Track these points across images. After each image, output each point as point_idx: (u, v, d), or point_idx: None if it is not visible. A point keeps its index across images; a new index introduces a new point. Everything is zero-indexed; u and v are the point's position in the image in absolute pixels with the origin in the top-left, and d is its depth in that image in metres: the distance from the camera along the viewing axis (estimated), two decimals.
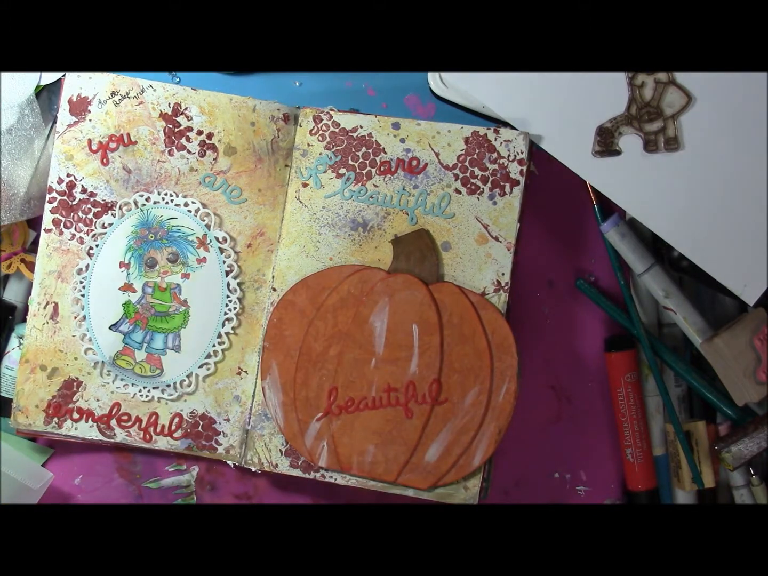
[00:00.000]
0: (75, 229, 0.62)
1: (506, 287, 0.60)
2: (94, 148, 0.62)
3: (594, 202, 0.65)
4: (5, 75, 0.62)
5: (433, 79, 0.65)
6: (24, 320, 0.65)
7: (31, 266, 0.64)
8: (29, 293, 0.63)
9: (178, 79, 0.66)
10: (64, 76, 0.62)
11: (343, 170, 0.62)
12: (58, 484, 0.65)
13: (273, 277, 0.62)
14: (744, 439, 0.63)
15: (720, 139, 0.60)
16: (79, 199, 0.62)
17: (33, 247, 0.65)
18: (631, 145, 0.61)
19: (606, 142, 0.61)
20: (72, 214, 0.62)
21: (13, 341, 0.64)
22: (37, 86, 0.64)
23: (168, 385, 0.62)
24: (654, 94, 0.60)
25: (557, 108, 0.61)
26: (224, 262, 0.62)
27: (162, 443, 0.62)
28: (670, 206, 0.61)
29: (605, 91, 0.61)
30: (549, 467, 0.68)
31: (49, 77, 0.64)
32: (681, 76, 0.60)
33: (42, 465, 0.64)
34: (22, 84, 0.63)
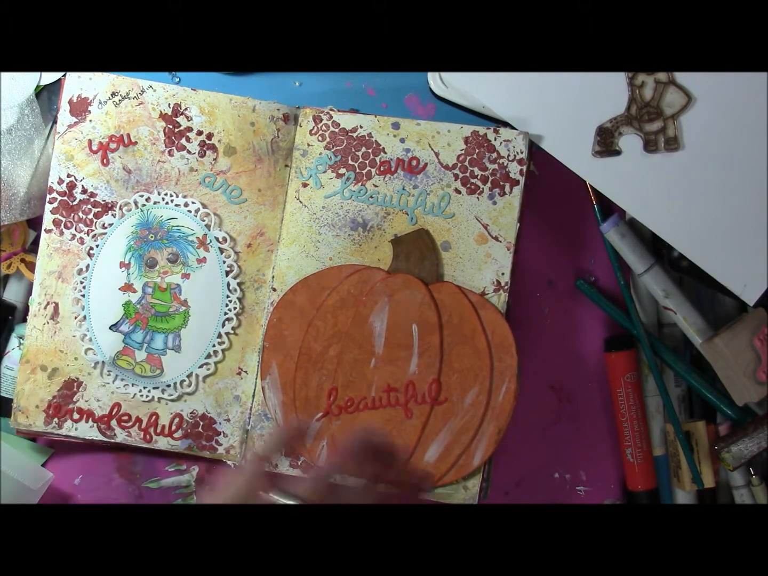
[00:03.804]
0: (75, 229, 0.62)
1: (506, 287, 0.60)
2: (94, 148, 0.62)
3: (594, 202, 0.65)
4: (5, 75, 0.63)
5: (433, 79, 0.65)
6: (24, 320, 0.65)
7: (31, 266, 0.64)
8: (29, 293, 0.63)
9: (178, 79, 0.66)
10: (64, 76, 0.62)
11: (342, 170, 0.62)
12: (58, 484, 0.65)
13: (273, 277, 0.62)
14: (744, 439, 0.63)
15: (720, 139, 0.60)
16: (80, 200, 0.62)
17: (33, 247, 0.65)
18: (631, 145, 0.61)
19: (606, 142, 0.61)
20: (72, 215, 0.62)
21: (13, 341, 0.64)
22: (37, 86, 0.64)
23: (168, 386, 0.62)
24: (654, 94, 0.60)
25: (557, 108, 0.61)
26: (224, 262, 0.62)
27: (162, 443, 0.62)
28: (670, 206, 0.61)
29: (605, 91, 0.61)
30: (549, 467, 0.68)
31: (49, 77, 0.64)
32: (681, 76, 0.60)
33: (42, 465, 0.64)
34: (22, 84, 0.63)
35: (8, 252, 0.64)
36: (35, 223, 0.64)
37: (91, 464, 0.65)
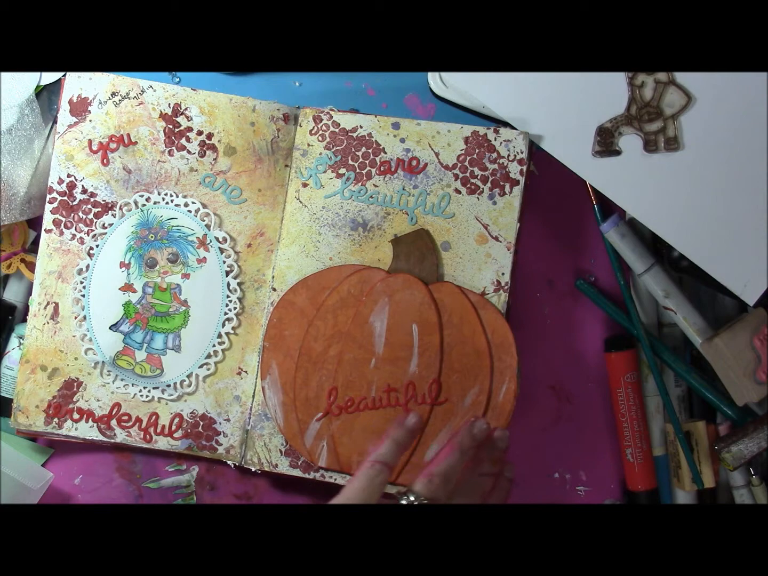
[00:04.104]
0: (75, 229, 0.62)
1: (506, 287, 0.60)
2: (94, 148, 0.62)
3: (594, 202, 0.65)
4: (5, 75, 0.63)
5: (433, 79, 0.65)
6: (24, 320, 0.65)
7: (31, 266, 0.64)
8: (29, 293, 0.63)
9: (178, 79, 0.66)
10: (64, 76, 0.62)
11: (342, 170, 0.62)
12: (58, 484, 0.65)
13: (273, 277, 0.62)
14: (744, 439, 0.63)
15: (720, 139, 0.60)
16: (80, 200, 0.62)
17: (33, 247, 0.65)
18: (631, 145, 0.61)
19: (606, 142, 0.61)
20: (72, 215, 0.62)
21: (13, 341, 0.64)
22: (37, 86, 0.64)
23: (168, 386, 0.62)
24: (654, 94, 0.60)
25: (557, 108, 0.61)
26: (224, 262, 0.62)
27: (162, 443, 0.62)
28: (670, 206, 0.61)
29: (605, 91, 0.61)
30: (549, 467, 0.68)
31: (49, 77, 0.64)
32: (681, 76, 0.60)
33: (42, 465, 0.64)
34: (22, 84, 0.63)
35: (8, 252, 0.64)
36: (35, 223, 0.64)
37: (91, 464, 0.65)
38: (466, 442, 0.53)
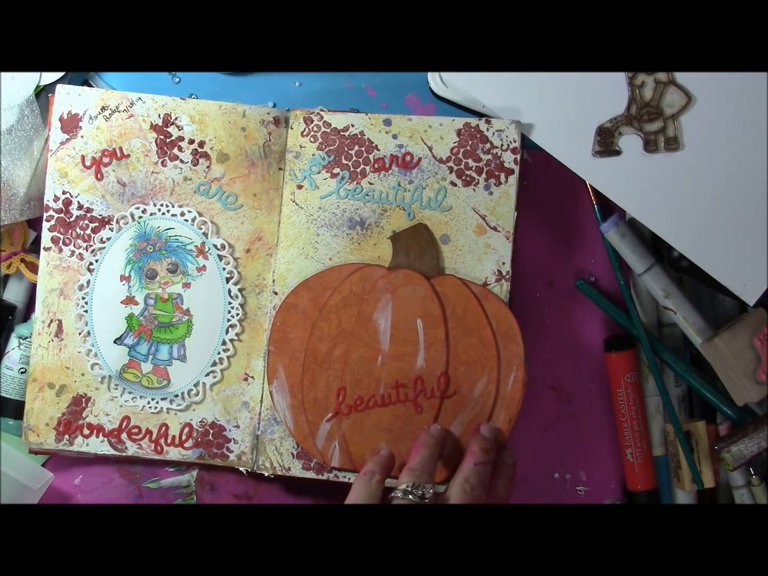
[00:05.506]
0: (74, 245, 0.62)
1: (507, 276, 0.60)
2: (87, 163, 0.62)
3: (594, 202, 0.65)
4: (5, 75, 0.62)
5: (433, 79, 0.65)
6: (24, 320, 0.65)
7: (31, 266, 0.64)
8: (29, 293, 0.63)
9: (178, 80, 0.66)
10: (52, 94, 0.61)
11: (337, 170, 0.62)
12: (58, 484, 0.65)
13: (273, 280, 0.62)
14: (744, 439, 0.63)
15: (720, 139, 0.60)
16: (76, 216, 0.62)
17: (33, 247, 0.65)
18: (631, 145, 0.61)
19: (606, 142, 0.61)
20: (70, 231, 0.62)
21: (13, 341, 0.64)
22: (37, 86, 0.64)
23: (176, 396, 0.62)
24: (654, 94, 0.60)
25: (557, 108, 0.61)
26: (224, 269, 0.62)
27: (174, 454, 0.61)
28: (670, 206, 0.61)
29: (605, 91, 0.61)
30: (549, 467, 0.67)
31: (49, 77, 0.64)
32: (681, 76, 0.60)
33: (42, 465, 0.64)
34: (22, 84, 0.63)
35: (8, 252, 0.64)
36: (35, 223, 0.64)
37: (91, 464, 0.65)
38: (484, 444, 0.55)
